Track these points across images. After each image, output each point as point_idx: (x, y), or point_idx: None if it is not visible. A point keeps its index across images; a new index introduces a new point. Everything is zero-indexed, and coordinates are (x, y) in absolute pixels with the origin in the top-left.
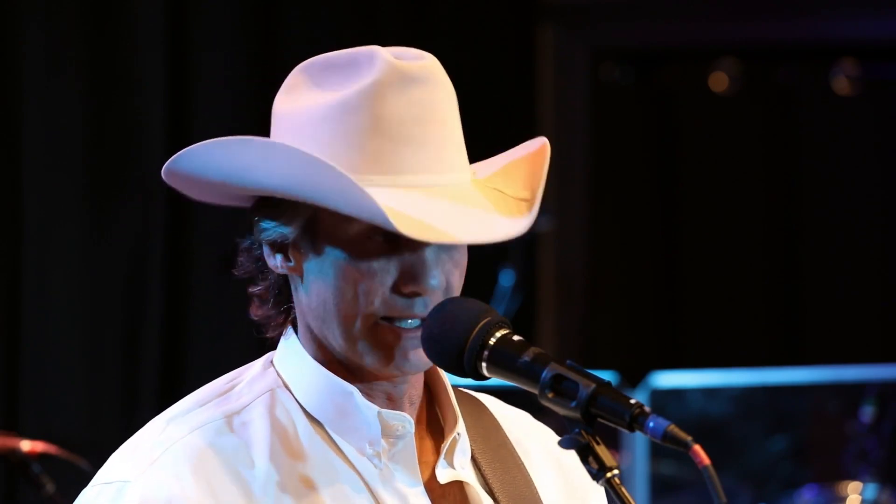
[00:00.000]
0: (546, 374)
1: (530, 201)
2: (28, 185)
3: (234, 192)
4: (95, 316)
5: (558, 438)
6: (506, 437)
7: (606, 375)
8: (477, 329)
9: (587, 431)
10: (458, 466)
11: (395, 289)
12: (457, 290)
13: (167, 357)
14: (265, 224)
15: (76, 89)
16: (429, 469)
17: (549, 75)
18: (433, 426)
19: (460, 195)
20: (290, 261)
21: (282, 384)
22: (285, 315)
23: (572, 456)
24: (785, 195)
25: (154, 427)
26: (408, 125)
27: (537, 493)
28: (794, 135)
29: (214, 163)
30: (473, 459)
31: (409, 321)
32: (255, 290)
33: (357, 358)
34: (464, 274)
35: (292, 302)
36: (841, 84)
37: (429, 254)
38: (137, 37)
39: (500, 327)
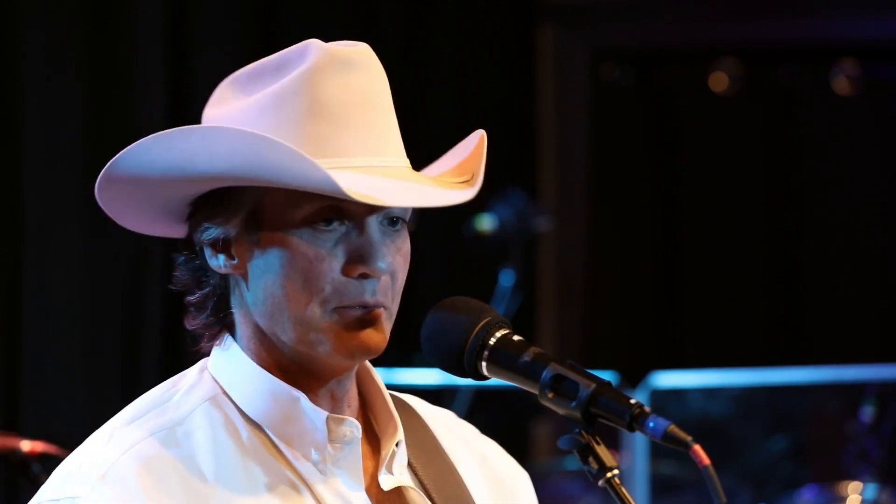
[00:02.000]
0: (546, 374)
1: (470, 181)
2: (28, 185)
3: (175, 193)
4: (95, 316)
5: (480, 435)
6: (435, 438)
7: (606, 375)
8: (477, 329)
9: (587, 431)
10: (396, 472)
11: (345, 272)
12: (401, 278)
13: (167, 357)
14: (206, 224)
15: (76, 89)
16: (366, 474)
17: (549, 75)
18: (368, 431)
19: (401, 175)
20: (233, 258)
21: (220, 391)
22: (221, 323)
23: (496, 451)
24: (785, 195)
25: (97, 441)
26: (347, 109)
27: (469, 493)
28: (794, 135)
29: (156, 158)
30: (409, 464)
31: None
32: (191, 299)
33: (309, 349)
34: (408, 263)
35: (230, 308)
36: (841, 84)
37: (374, 236)
38: (137, 37)
39: (500, 327)
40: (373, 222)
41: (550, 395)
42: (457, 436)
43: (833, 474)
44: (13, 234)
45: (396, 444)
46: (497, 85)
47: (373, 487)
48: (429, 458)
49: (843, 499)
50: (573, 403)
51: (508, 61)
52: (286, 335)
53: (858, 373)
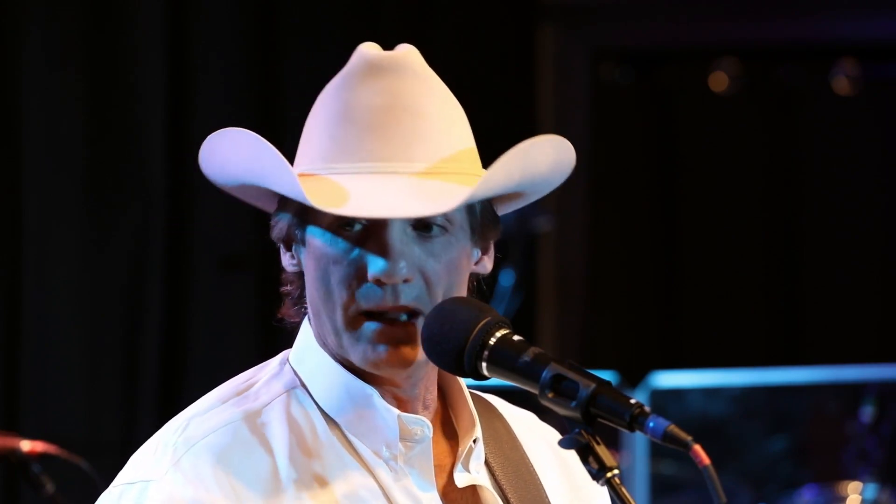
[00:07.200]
0: (546, 373)
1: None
2: (28, 185)
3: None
4: (95, 316)
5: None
6: (516, 439)
7: (606, 375)
8: (477, 329)
9: (587, 431)
10: (473, 470)
11: (359, 276)
12: (441, 284)
13: (167, 357)
14: (272, 222)
15: (76, 89)
16: (443, 472)
17: (549, 75)
18: (447, 429)
19: (417, 182)
20: (293, 258)
21: (299, 384)
22: (302, 317)
23: (576, 456)
24: (785, 195)
25: (174, 426)
26: (374, 113)
27: (547, 496)
28: (794, 135)
29: (210, 159)
30: (486, 463)
31: (390, 314)
32: (284, 290)
33: (346, 354)
34: (455, 268)
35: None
36: (841, 84)
37: (394, 242)
38: (137, 37)
39: (500, 327)
40: (394, 227)
41: (550, 395)
42: (539, 437)
43: (833, 474)
44: (13, 234)
45: (474, 441)
46: (497, 85)
47: (448, 485)
48: (507, 457)
49: (843, 499)
50: (573, 403)
51: (508, 61)
52: (329, 339)
53: (858, 373)
